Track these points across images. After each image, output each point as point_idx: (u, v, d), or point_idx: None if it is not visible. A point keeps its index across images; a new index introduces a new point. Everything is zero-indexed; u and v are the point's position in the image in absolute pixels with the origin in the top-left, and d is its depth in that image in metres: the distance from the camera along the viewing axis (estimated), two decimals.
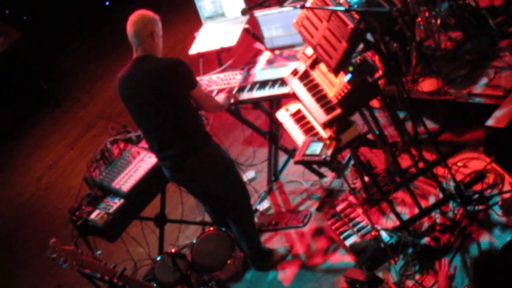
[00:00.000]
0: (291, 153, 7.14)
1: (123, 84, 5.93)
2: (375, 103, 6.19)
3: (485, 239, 5.63)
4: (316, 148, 5.64)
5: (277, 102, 6.83)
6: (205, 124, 6.39)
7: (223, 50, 6.90)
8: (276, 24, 6.66)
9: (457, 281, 5.33)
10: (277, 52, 6.80)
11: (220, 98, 6.45)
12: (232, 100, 6.49)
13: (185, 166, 5.94)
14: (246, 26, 6.93)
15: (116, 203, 6.39)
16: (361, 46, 5.50)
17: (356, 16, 5.37)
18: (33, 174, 9.70)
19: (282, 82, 6.36)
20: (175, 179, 6.17)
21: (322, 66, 5.82)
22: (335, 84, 5.58)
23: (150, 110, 5.84)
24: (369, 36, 5.43)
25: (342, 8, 5.40)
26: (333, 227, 6.43)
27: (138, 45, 5.83)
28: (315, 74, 5.91)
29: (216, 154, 6.07)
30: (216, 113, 6.87)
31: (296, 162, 5.84)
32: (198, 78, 6.73)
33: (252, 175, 7.54)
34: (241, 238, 6.29)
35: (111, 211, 6.35)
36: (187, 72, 5.83)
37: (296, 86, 6.04)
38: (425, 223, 5.97)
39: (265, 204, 7.13)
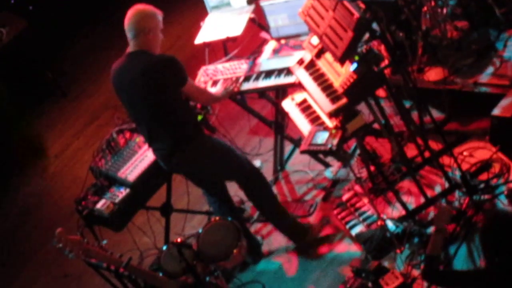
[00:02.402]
0: (297, 142, 7.13)
1: (115, 77, 5.99)
2: (381, 92, 6.20)
3: None
4: (322, 137, 5.65)
5: (283, 91, 6.82)
6: (211, 114, 6.42)
7: (228, 40, 6.89)
8: (282, 13, 6.65)
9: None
10: (282, 41, 6.79)
11: (217, 89, 6.46)
12: (235, 89, 6.49)
13: (173, 159, 5.99)
14: (252, 15, 6.92)
15: (122, 193, 6.41)
16: (367, 35, 5.49)
17: (362, 5, 5.36)
18: (39, 163, 9.70)
19: (288, 71, 6.36)
20: (170, 169, 6.22)
21: (328, 55, 5.82)
22: (341, 74, 5.57)
23: (139, 105, 5.89)
24: (375, 26, 5.43)
25: None
26: (339, 217, 6.44)
27: (132, 39, 5.87)
28: (321, 64, 5.90)
29: (207, 146, 6.06)
30: (222, 103, 6.86)
31: (302, 152, 5.85)
32: (203, 67, 6.76)
33: (258, 164, 7.50)
34: (271, 215, 6.38)
35: (117, 200, 6.36)
36: (177, 69, 5.82)
37: (302, 75, 6.03)
38: (431, 213, 5.97)
39: None
